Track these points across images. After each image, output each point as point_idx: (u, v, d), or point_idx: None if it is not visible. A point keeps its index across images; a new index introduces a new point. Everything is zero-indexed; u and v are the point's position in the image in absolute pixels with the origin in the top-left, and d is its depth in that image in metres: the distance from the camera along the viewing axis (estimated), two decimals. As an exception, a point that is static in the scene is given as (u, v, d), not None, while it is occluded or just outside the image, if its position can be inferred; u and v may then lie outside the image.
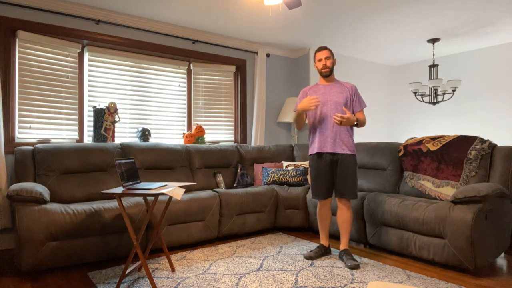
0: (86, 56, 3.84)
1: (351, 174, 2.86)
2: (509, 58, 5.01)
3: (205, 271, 2.67)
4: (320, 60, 2.95)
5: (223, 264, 2.83)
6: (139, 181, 2.63)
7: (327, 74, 2.96)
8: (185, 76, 4.57)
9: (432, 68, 5.12)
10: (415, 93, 5.11)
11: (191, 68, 4.60)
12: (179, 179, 3.80)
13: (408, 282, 2.43)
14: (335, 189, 2.92)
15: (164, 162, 3.76)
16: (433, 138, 3.38)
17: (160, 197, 3.15)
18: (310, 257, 2.93)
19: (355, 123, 2.83)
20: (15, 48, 3.40)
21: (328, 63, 2.93)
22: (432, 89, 5.09)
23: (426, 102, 5.20)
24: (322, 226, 3.05)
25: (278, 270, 2.68)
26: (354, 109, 2.95)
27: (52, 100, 3.59)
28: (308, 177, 4.21)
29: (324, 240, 3.06)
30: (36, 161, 3.16)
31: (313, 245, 3.33)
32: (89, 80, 3.86)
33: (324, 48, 2.97)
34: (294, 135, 5.26)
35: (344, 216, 2.90)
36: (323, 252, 3.01)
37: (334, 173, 2.91)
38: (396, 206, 2.97)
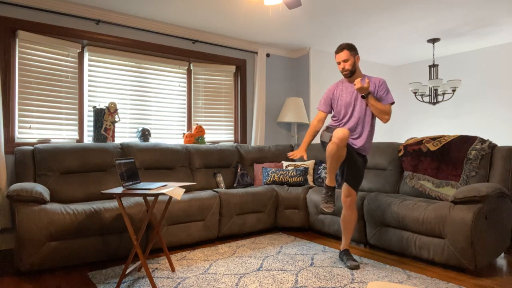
0: (86, 56, 3.84)
1: (360, 172, 2.84)
2: (509, 58, 5.01)
3: (205, 271, 2.67)
4: (338, 63, 2.82)
5: (223, 264, 2.83)
6: (139, 181, 2.63)
7: (348, 76, 2.83)
8: (185, 76, 4.57)
9: (432, 68, 5.12)
10: (415, 93, 5.11)
11: (191, 68, 4.60)
12: (179, 179, 3.80)
13: (408, 282, 2.43)
14: (346, 174, 2.84)
15: (164, 162, 3.76)
16: (433, 138, 3.38)
17: (160, 197, 3.15)
18: (332, 207, 2.71)
19: (366, 93, 2.69)
20: (15, 48, 3.40)
21: (347, 66, 2.77)
22: (432, 89, 5.09)
23: (426, 102, 5.19)
24: (335, 166, 2.64)
25: (278, 270, 2.68)
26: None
27: (52, 100, 3.59)
28: (308, 177, 4.21)
29: (332, 182, 2.73)
30: (36, 161, 3.16)
31: (313, 245, 3.33)
32: (89, 80, 3.86)
33: (341, 49, 2.78)
34: (294, 135, 5.26)
35: (350, 216, 2.85)
36: (333, 193, 2.76)
37: (350, 159, 2.80)
38: (396, 206, 2.97)
